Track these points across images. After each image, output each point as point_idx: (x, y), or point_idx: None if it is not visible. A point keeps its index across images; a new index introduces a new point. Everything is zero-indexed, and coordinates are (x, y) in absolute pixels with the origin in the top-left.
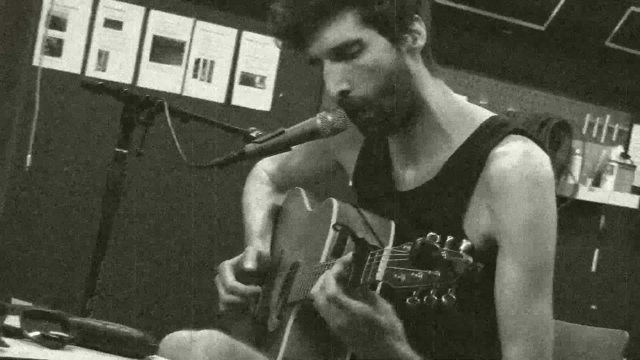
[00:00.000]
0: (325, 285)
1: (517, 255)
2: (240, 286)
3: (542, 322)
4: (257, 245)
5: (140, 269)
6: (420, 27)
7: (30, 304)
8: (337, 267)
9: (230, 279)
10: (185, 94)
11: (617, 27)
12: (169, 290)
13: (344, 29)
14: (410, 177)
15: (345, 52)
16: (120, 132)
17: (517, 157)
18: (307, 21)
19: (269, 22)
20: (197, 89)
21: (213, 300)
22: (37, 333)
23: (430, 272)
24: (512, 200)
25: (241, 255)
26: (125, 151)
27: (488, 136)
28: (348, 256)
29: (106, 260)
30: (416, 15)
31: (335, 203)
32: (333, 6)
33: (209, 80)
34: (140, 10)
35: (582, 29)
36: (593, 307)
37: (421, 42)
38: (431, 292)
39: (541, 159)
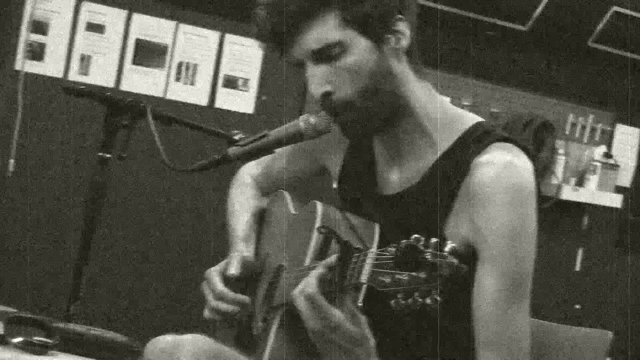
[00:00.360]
0: (306, 285)
1: (495, 265)
2: (230, 294)
3: (518, 332)
4: (241, 249)
5: (124, 273)
6: (403, 27)
7: (13, 310)
8: (319, 269)
9: (219, 285)
10: (168, 97)
11: (599, 27)
12: (153, 295)
13: (325, 31)
14: (394, 180)
15: (327, 54)
16: (103, 137)
17: (499, 167)
18: (289, 24)
19: (252, 25)
20: (180, 92)
21: (198, 304)
22: (21, 339)
23: (414, 274)
24: (492, 210)
25: (226, 261)
26: (108, 155)
27: (472, 143)
28: (331, 258)
29: (89, 265)
30: (399, 16)
31: (319, 206)
32: (314, 8)
33: (192, 84)
34: (122, 13)
35: (565, 29)
36: (577, 306)
37: (405, 42)
38: (416, 294)
39: (523, 170)
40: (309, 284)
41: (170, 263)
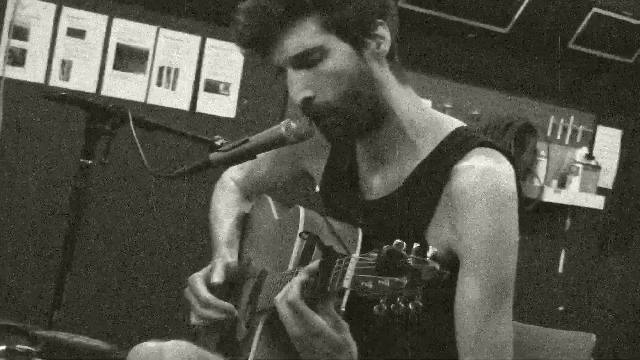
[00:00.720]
0: (288, 291)
1: (477, 272)
2: (215, 301)
3: (500, 337)
4: (224, 254)
5: (107, 280)
6: (384, 31)
7: None
8: (301, 275)
9: (203, 292)
10: (149, 102)
11: (579, 29)
12: (136, 301)
13: (304, 36)
14: (377, 185)
15: (307, 59)
16: (85, 143)
17: (480, 173)
18: (268, 30)
19: (232, 31)
20: (162, 97)
21: (181, 310)
22: (4, 347)
23: (397, 279)
24: (473, 217)
25: (210, 266)
26: (89, 162)
27: (453, 149)
28: (314, 264)
29: (72, 272)
30: (380, 20)
31: (302, 211)
32: (293, 14)
33: (173, 88)
34: (103, 18)
35: (545, 31)
36: (561, 308)
37: (385, 47)
38: (398, 300)
39: (504, 176)
40: (291, 290)
41: (153, 269)
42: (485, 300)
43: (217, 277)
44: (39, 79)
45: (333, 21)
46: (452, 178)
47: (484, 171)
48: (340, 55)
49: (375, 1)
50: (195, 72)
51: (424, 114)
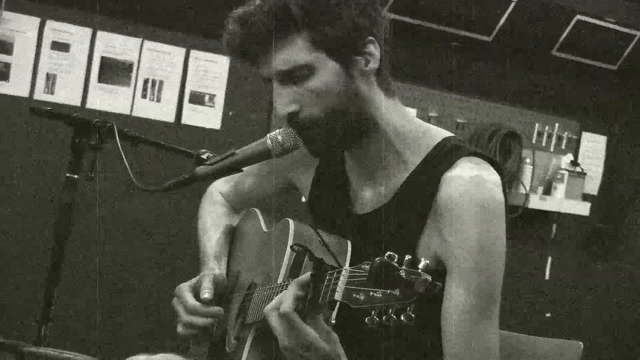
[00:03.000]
0: (281, 303)
1: (464, 280)
2: (202, 307)
3: (487, 345)
4: (212, 267)
5: (95, 294)
6: (374, 49)
7: None
8: (294, 287)
9: (190, 300)
10: (134, 114)
11: (563, 36)
12: (125, 315)
13: (293, 52)
14: (367, 198)
15: (294, 75)
16: (71, 157)
17: (467, 182)
18: (257, 43)
19: (222, 39)
20: (147, 109)
21: (170, 323)
22: None
23: (389, 291)
24: (460, 225)
25: (197, 277)
26: (76, 176)
27: (441, 159)
28: (305, 276)
29: (60, 287)
30: (370, 38)
31: (292, 223)
32: (283, 30)
33: (158, 100)
34: (87, 31)
35: (529, 39)
36: (548, 315)
37: (374, 65)
38: (390, 311)
39: (492, 184)
40: (285, 302)
41: (141, 282)
42: (473, 307)
43: (207, 293)
44: (24, 92)
45: (323, 39)
46: (440, 187)
47: (472, 180)
48: (328, 73)
49: (366, 19)
50: (180, 84)
51: (410, 126)
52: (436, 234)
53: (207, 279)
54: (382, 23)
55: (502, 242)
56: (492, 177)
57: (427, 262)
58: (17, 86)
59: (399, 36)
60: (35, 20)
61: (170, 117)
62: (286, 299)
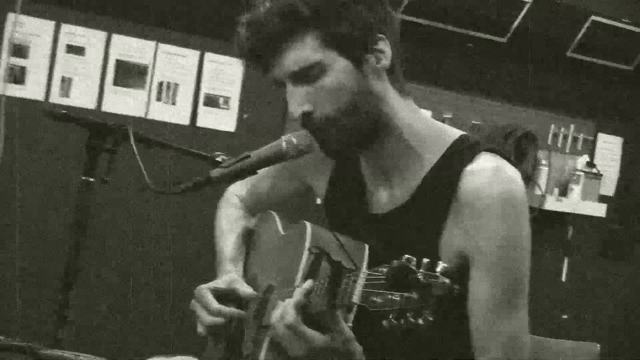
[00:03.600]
0: (285, 313)
1: (490, 272)
2: (223, 308)
3: (515, 339)
4: (229, 270)
5: (111, 297)
6: (384, 46)
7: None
8: (297, 296)
9: (211, 300)
10: (149, 117)
11: (578, 37)
12: (142, 318)
13: (304, 52)
14: (384, 199)
15: (306, 74)
16: (86, 160)
17: (489, 174)
18: (268, 45)
19: (233, 43)
20: (162, 112)
21: (187, 325)
22: None
23: (406, 294)
24: (484, 217)
25: (215, 281)
26: (91, 179)
27: (459, 155)
28: (308, 283)
29: (76, 290)
30: (380, 35)
31: (308, 226)
32: (292, 30)
33: (173, 103)
34: (102, 35)
35: (543, 40)
36: (564, 316)
37: (385, 62)
38: (408, 314)
39: (513, 175)
40: (287, 312)
41: (157, 285)
42: (499, 299)
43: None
44: (39, 96)
45: (333, 37)
46: (461, 181)
47: (494, 172)
48: (339, 71)
49: (376, 16)
50: (194, 86)
51: (425, 125)
52: (458, 228)
53: (224, 279)
54: (392, 21)
55: (527, 232)
56: (512, 170)
57: (446, 265)
58: (32, 89)
59: (413, 38)
60: (50, 24)
61: (185, 120)
62: (289, 309)
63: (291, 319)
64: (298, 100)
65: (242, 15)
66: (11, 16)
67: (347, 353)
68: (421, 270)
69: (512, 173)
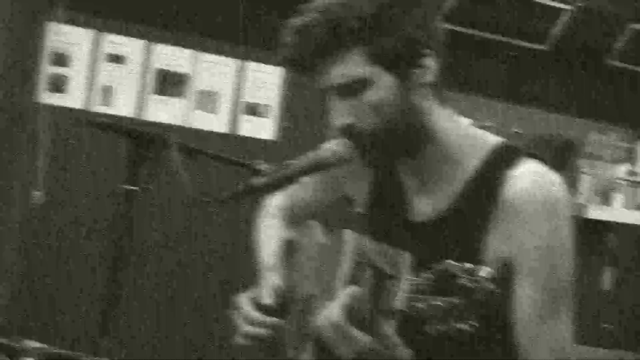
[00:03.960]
0: (330, 314)
1: (533, 276)
2: (263, 318)
3: (560, 344)
4: (270, 279)
5: (153, 306)
6: (430, 62)
7: (45, 346)
8: (344, 297)
9: (250, 311)
10: (190, 125)
11: (618, 45)
12: (184, 327)
13: (349, 66)
14: (425, 206)
15: (350, 88)
16: (128, 169)
17: (532, 178)
18: (313, 56)
19: (277, 51)
20: (202, 120)
21: (228, 336)
22: None
23: (449, 299)
24: (528, 221)
25: (257, 289)
26: (133, 188)
27: (501, 160)
28: (356, 288)
29: (119, 299)
30: (426, 50)
31: (350, 235)
32: (338, 43)
33: (213, 111)
34: (142, 44)
35: (584, 48)
36: (607, 326)
37: (431, 77)
38: (451, 320)
39: (556, 180)
40: (333, 312)
41: (198, 293)
42: (543, 303)
43: (267, 299)
44: (80, 105)
45: (380, 53)
46: (504, 186)
47: (538, 176)
48: (384, 86)
49: (423, 32)
50: (234, 95)
51: (465, 132)
52: (501, 234)
53: (267, 288)
54: (440, 35)
55: (571, 235)
56: (555, 175)
57: (489, 270)
58: (73, 98)
59: (454, 46)
60: (91, 33)
61: (225, 128)
62: (335, 310)
63: (337, 318)
64: (341, 112)
65: (289, 22)
66: (52, 25)
67: (394, 359)
68: (464, 275)
69: (554, 178)
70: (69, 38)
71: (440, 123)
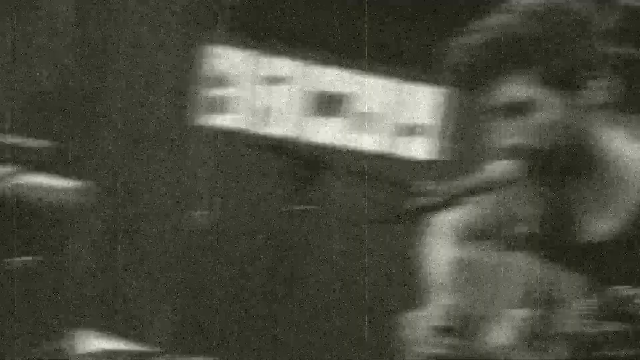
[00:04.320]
0: (501, 337)
1: None
2: (442, 339)
3: None
4: (443, 299)
5: (320, 324)
6: (599, 83)
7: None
8: (514, 320)
9: (427, 331)
10: (348, 146)
11: None
12: (351, 346)
13: (517, 87)
14: (595, 227)
15: (515, 109)
16: (289, 190)
17: None
18: (479, 76)
19: (442, 69)
20: (361, 141)
21: (396, 353)
22: None
23: (622, 325)
24: None
25: (426, 308)
26: (295, 208)
27: None
28: (525, 311)
29: (285, 321)
30: (595, 72)
31: (520, 255)
32: (508, 64)
33: (372, 132)
34: (301, 65)
35: None
36: None
37: (600, 99)
38: (621, 347)
39: None
40: (504, 335)
41: (358, 311)
42: None
43: (441, 320)
44: (241, 125)
45: (549, 75)
46: None
47: None
48: (550, 108)
49: (594, 54)
50: (393, 115)
51: (637, 154)
52: None
53: (438, 309)
54: (610, 56)
55: None
56: None
57: None
58: (234, 119)
59: (624, 68)
60: (250, 55)
61: (384, 149)
62: (507, 331)
63: (508, 341)
64: (505, 133)
65: (457, 41)
66: (211, 48)
67: None
68: (636, 301)
69: None
70: (228, 60)
71: (610, 144)
